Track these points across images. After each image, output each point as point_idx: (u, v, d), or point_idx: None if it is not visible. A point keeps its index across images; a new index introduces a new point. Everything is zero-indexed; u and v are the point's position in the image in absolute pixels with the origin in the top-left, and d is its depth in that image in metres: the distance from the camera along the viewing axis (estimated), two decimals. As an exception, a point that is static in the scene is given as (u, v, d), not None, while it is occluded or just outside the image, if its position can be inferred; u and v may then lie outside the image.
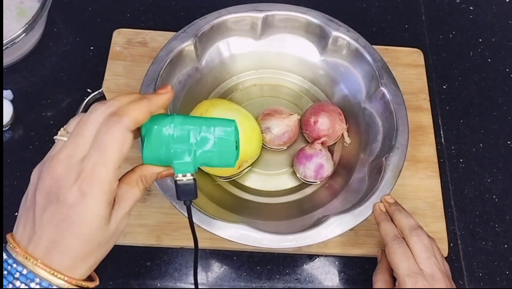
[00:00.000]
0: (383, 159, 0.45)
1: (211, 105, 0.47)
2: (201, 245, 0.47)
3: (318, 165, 0.48)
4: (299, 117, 0.51)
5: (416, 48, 0.60)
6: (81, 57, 0.58)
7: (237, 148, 0.32)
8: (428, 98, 0.57)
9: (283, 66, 0.56)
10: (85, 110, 0.54)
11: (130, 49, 0.57)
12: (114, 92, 0.54)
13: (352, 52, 0.51)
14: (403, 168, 0.45)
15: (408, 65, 0.59)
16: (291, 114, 0.50)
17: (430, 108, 0.57)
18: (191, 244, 0.47)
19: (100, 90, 0.54)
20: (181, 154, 0.30)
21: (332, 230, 0.41)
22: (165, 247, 0.48)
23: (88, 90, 0.56)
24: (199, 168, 0.48)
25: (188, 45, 0.49)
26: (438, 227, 0.50)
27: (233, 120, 0.32)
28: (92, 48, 0.59)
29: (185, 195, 0.31)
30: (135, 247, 0.48)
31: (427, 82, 0.58)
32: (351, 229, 0.41)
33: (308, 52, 0.54)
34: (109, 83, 0.55)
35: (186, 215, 0.40)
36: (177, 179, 0.30)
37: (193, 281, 0.47)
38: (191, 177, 0.30)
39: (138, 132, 0.31)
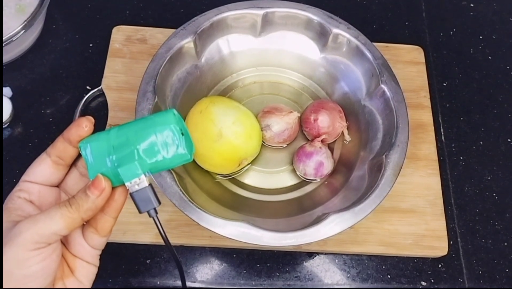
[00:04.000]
0: (383, 156, 0.45)
1: (211, 102, 0.46)
2: (201, 242, 0.48)
3: (318, 162, 0.48)
4: (299, 115, 0.50)
5: (417, 46, 0.60)
6: (80, 54, 0.58)
7: (183, 134, 0.29)
8: (428, 96, 0.57)
9: (283, 64, 0.55)
10: (84, 107, 0.54)
11: (130, 46, 0.57)
12: (113, 89, 0.54)
13: (352, 49, 0.51)
14: (403, 166, 0.44)
15: (409, 62, 0.59)
16: (291, 112, 0.50)
17: (430, 106, 0.57)
18: (191, 241, 0.48)
19: (100, 87, 0.54)
20: (124, 159, 0.28)
21: (331, 228, 0.41)
22: (164, 245, 0.48)
23: (88, 87, 0.56)
24: (199, 167, 0.48)
25: (187, 42, 0.48)
26: (438, 225, 0.50)
27: (171, 109, 0.30)
28: (91, 45, 0.59)
29: (144, 204, 0.28)
30: (134, 244, 0.48)
31: (428, 79, 0.58)
32: (351, 227, 0.41)
33: (308, 49, 0.54)
34: (108, 80, 0.55)
35: (186, 213, 0.40)
36: (130, 188, 0.28)
37: (192, 279, 0.47)
38: (145, 181, 0.28)
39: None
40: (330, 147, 0.52)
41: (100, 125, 0.52)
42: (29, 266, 0.25)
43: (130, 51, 0.56)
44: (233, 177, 0.50)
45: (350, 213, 0.42)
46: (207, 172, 0.49)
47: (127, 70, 0.55)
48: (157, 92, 0.45)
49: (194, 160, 0.48)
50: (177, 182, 0.42)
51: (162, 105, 0.46)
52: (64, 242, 0.30)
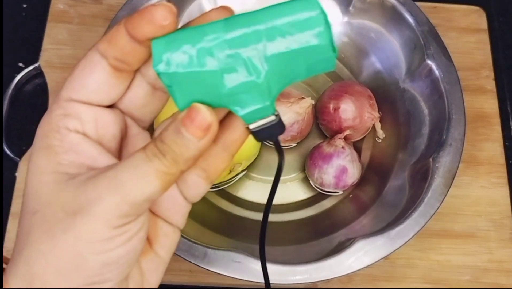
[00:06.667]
0: (430, 160, 0.45)
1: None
2: (178, 279, 0.47)
3: (340, 168, 0.48)
4: (313, 102, 0.50)
5: (477, 6, 0.60)
6: (10, 18, 0.58)
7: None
8: (492, 76, 0.57)
9: (292, 31, 0.56)
10: (16, 92, 0.54)
11: (78, 7, 0.57)
12: (56, 67, 0.54)
13: (387, 11, 0.51)
14: (458, 173, 0.45)
15: (465, 29, 0.59)
16: (302, 97, 0.50)
17: (495, 90, 0.57)
18: (163, 278, 0.47)
19: (37, 64, 0.54)
20: (244, 97, 0.25)
21: (359, 259, 0.41)
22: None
23: (20, 64, 0.56)
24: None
25: (158, 1, 0.48)
26: (506, 254, 0.50)
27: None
28: (25, 6, 0.59)
29: (268, 133, 0.26)
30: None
31: (492, 53, 0.58)
32: (385, 258, 0.41)
33: (326, 10, 0.54)
34: (49, 55, 0.55)
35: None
36: (251, 127, 0.26)
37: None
38: (273, 116, 0.26)
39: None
40: (357, 147, 0.52)
41: (37, 117, 0.52)
42: (111, 250, 0.23)
43: (78, 14, 0.56)
44: (221, 189, 0.50)
45: (384, 238, 0.42)
46: (186, 181, 0.49)
47: (75, 41, 0.55)
48: (117, 71, 0.45)
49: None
50: (145, 196, 0.42)
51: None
52: None
